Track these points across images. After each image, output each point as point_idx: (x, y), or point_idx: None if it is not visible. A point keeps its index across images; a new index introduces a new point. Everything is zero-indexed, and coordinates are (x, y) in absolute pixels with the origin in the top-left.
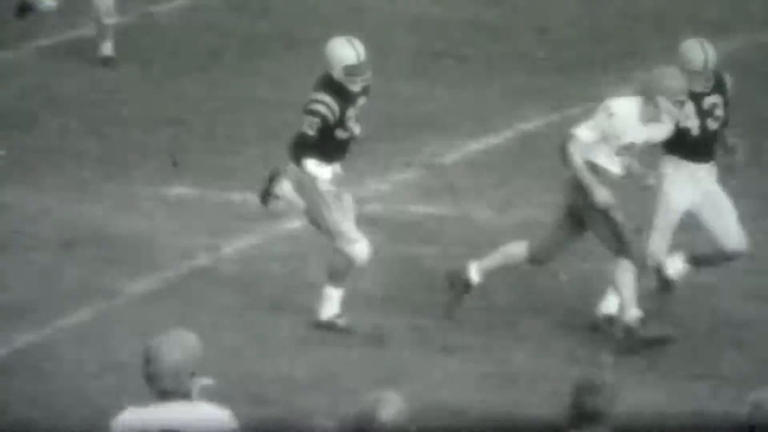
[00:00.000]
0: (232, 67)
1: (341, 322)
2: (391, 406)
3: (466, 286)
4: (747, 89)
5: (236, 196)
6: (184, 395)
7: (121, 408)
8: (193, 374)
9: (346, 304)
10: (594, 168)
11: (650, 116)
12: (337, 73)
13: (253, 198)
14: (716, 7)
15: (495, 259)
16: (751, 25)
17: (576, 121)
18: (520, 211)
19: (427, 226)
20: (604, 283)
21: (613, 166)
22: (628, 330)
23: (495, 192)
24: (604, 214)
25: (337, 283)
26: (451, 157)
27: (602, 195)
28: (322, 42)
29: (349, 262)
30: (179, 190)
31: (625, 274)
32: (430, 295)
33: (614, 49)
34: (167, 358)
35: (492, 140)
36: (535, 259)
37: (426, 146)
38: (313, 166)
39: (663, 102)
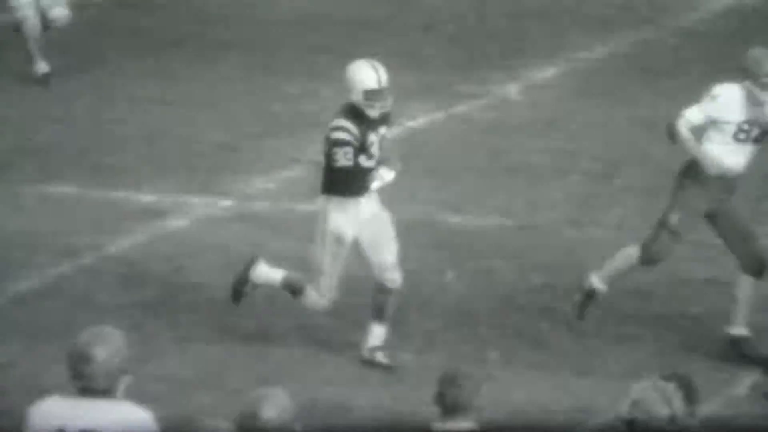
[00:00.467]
0: (116, 65)
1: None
2: (274, 403)
3: (591, 295)
4: (629, 85)
5: (120, 195)
6: (110, 394)
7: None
8: (123, 373)
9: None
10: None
11: (757, 99)
12: (356, 97)
13: (137, 197)
14: (600, 3)
15: (613, 264)
16: (634, 22)
17: (463, 118)
18: (407, 208)
19: (313, 224)
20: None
21: (730, 156)
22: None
23: (381, 189)
24: (671, 204)
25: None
26: None
27: (712, 163)
28: (207, 39)
29: (305, 302)
30: (62, 189)
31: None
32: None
33: (501, 46)
34: (100, 356)
35: None
36: (648, 260)
37: (312, 144)
38: (335, 203)
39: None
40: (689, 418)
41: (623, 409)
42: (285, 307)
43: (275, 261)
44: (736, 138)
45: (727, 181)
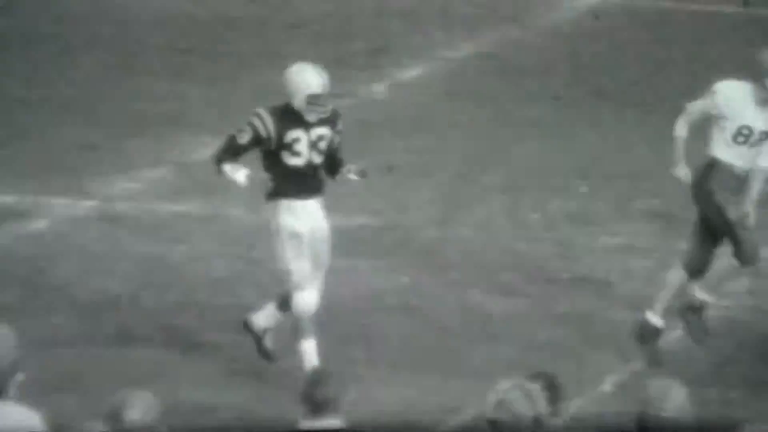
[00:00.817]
0: None
1: (266, 341)
2: (139, 405)
3: (656, 332)
4: (494, 85)
5: None
6: (1, 394)
7: None
8: (14, 373)
9: (91, 304)
10: (716, 164)
11: (762, 99)
12: (297, 101)
13: None
14: (465, 3)
15: (664, 296)
16: (499, 21)
17: None
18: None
19: (176, 225)
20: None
21: (736, 159)
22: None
23: (245, 189)
24: (719, 209)
25: (303, 335)
26: (201, 154)
27: (680, 170)
28: (66, 38)
29: (296, 310)
30: None
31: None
32: (179, 293)
33: (366, 46)
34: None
35: None
36: (694, 272)
37: (176, 144)
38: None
39: None
40: (553, 418)
41: (487, 409)
42: (148, 307)
43: (138, 262)
44: (735, 140)
45: (735, 180)
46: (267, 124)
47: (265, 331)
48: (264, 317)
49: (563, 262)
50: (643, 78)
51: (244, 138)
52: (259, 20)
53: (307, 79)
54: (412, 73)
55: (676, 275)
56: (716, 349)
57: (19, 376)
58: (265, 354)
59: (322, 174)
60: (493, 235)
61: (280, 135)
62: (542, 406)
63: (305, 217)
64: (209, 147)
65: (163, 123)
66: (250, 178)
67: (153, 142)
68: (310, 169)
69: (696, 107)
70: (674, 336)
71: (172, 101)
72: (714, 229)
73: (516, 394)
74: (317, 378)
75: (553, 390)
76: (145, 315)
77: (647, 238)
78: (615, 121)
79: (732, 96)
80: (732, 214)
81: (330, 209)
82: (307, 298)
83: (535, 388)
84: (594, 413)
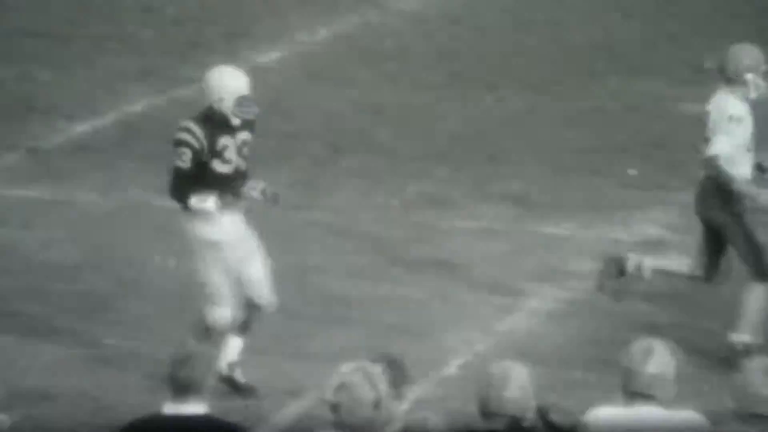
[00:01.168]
0: None
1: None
2: None
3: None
4: (353, 69)
5: None
6: None
7: None
8: None
9: None
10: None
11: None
12: (225, 103)
13: None
14: None
15: (669, 262)
16: (357, 5)
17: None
18: (124, 194)
19: (28, 211)
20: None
21: (743, 166)
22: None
23: (99, 175)
24: (744, 229)
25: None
26: (53, 139)
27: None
28: None
29: (206, 325)
30: None
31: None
32: (29, 279)
33: (222, 29)
34: None
35: (96, 122)
36: (711, 280)
37: (27, 129)
38: (196, 202)
39: (752, 78)
40: (396, 401)
41: (328, 392)
42: None
43: None
44: (747, 148)
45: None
46: (198, 136)
47: (232, 367)
48: (225, 356)
49: (421, 246)
50: (501, 62)
51: (187, 161)
52: (112, 3)
53: (235, 80)
54: (269, 57)
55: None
56: (565, 330)
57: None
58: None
59: (243, 180)
60: (352, 220)
61: (212, 143)
62: (384, 388)
63: (222, 225)
64: (62, 132)
65: (15, 108)
66: (218, 203)
67: (4, 127)
68: (238, 175)
69: (726, 147)
70: (522, 317)
71: (24, 85)
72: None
73: (357, 377)
74: (183, 359)
75: (397, 372)
76: None
77: (505, 221)
78: (473, 105)
79: (742, 111)
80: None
81: None
82: (222, 314)
83: (377, 370)
84: (439, 396)
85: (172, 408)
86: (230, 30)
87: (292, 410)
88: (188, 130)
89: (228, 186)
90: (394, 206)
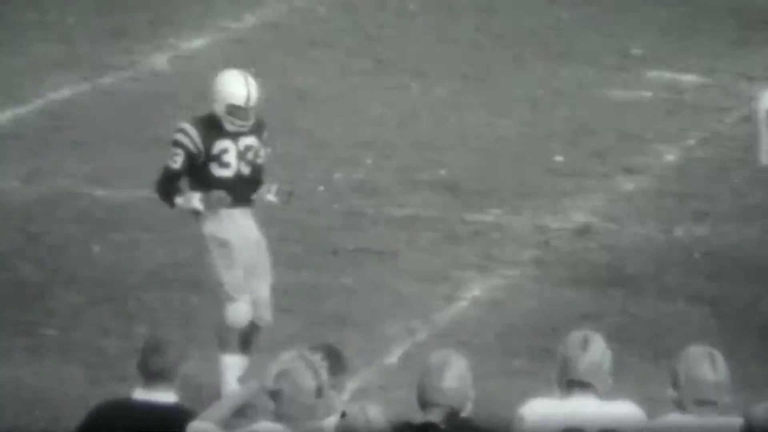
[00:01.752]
0: None
1: None
2: None
3: None
4: (279, 55)
5: None
6: None
7: None
8: None
9: None
10: None
11: None
12: (218, 108)
13: None
14: None
15: None
16: None
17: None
18: (47, 182)
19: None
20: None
21: None
22: None
23: (22, 163)
24: None
25: (224, 348)
26: None
27: None
28: None
29: (224, 322)
30: None
31: None
32: None
33: (147, 16)
34: None
35: (20, 110)
36: None
37: None
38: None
39: None
40: (334, 390)
41: (268, 380)
42: None
43: None
44: None
45: None
46: (194, 138)
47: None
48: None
49: (348, 234)
50: (428, 49)
51: (178, 162)
52: None
53: (230, 88)
54: (195, 44)
55: None
56: (501, 319)
57: None
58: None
59: (252, 185)
60: (278, 207)
61: (208, 146)
62: (325, 376)
63: (231, 226)
64: None
65: None
66: (204, 200)
67: None
68: (239, 180)
69: None
70: (461, 306)
71: None
72: None
73: (298, 364)
74: (154, 346)
75: (335, 361)
76: None
77: (433, 209)
78: (399, 92)
79: None
80: None
81: (110, 184)
82: (240, 310)
83: (317, 358)
84: (380, 385)
85: (142, 394)
86: (155, 17)
87: (231, 399)
88: (183, 132)
89: (231, 190)
90: (320, 194)
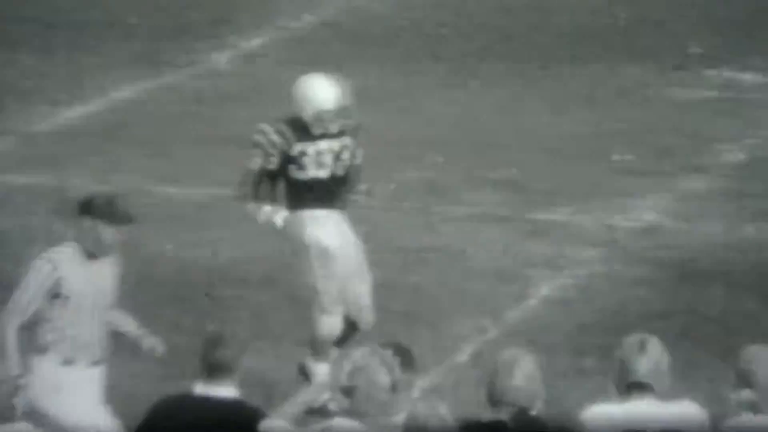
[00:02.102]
0: None
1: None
2: None
3: None
4: (338, 54)
5: None
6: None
7: None
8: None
9: None
10: None
11: None
12: (305, 114)
13: None
14: None
15: None
16: None
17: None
18: (116, 179)
19: (22, 196)
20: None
21: None
22: None
23: (90, 162)
24: None
25: (317, 356)
26: (43, 126)
27: None
28: None
29: (318, 333)
30: None
31: None
32: (24, 267)
33: (208, 15)
34: None
35: (85, 108)
36: None
37: (16, 114)
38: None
39: None
40: (407, 386)
41: (342, 377)
42: None
43: None
44: None
45: None
46: (274, 141)
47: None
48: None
49: (417, 232)
50: (488, 47)
51: (257, 163)
52: None
53: (318, 94)
54: (255, 42)
55: None
56: (570, 318)
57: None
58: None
59: (344, 187)
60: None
61: (289, 149)
62: (398, 372)
63: (331, 228)
64: (51, 117)
65: (1, 93)
66: (287, 220)
67: None
68: (332, 181)
69: None
70: (531, 305)
71: (9, 71)
72: None
73: (372, 360)
74: (215, 339)
75: (404, 358)
76: None
77: (502, 207)
78: (459, 91)
79: None
80: None
81: (179, 181)
82: (333, 323)
83: (389, 355)
84: (450, 383)
85: (202, 389)
86: (216, 15)
87: (304, 397)
88: (266, 134)
89: (320, 191)
90: (389, 192)
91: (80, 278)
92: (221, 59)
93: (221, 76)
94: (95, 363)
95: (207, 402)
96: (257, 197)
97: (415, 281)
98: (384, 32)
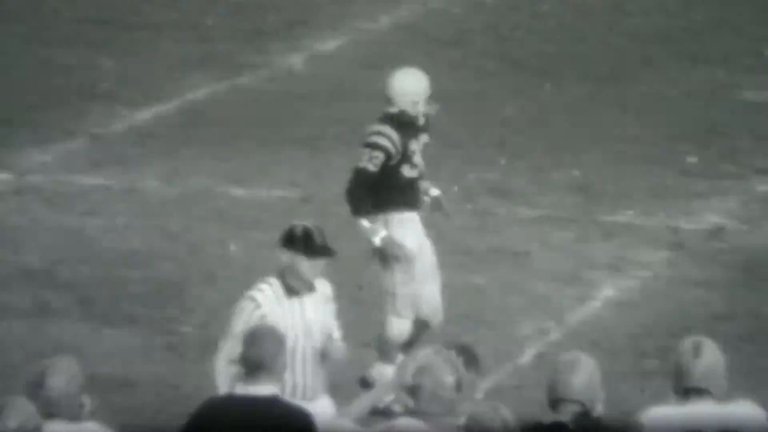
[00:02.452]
0: None
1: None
2: (63, 371)
3: None
4: (414, 56)
5: None
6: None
7: None
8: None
9: (7, 277)
10: None
11: None
12: (411, 106)
13: None
14: None
15: None
16: None
17: (246, 89)
18: (187, 181)
19: (92, 197)
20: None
21: None
22: None
23: (162, 162)
24: None
25: (385, 359)
26: (116, 126)
27: None
28: None
29: (388, 334)
30: None
31: None
32: (95, 266)
33: (284, 17)
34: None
35: (159, 109)
36: None
37: (90, 116)
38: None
39: None
40: (471, 386)
41: (407, 376)
42: (64, 280)
43: (53, 235)
44: None
45: None
46: (395, 141)
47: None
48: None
49: (481, 234)
50: (562, 49)
51: (377, 166)
52: None
53: (421, 85)
54: (330, 44)
55: None
56: (633, 320)
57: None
58: None
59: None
60: None
61: (405, 147)
62: (463, 371)
63: (418, 230)
64: (125, 119)
65: (78, 95)
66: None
67: (66, 114)
68: (421, 178)
69: None
70: (594, 307)
71: (87, 73)
72: None
73: (437, 360)
74: (252, 338)
75: (470, 358)
76: (61, 288)
77: (566, 209)
78: (533, 92)
79: None
80: None
81: (247, 182)
82: (404, 327)
83: (454, 354)
84: (513, 385)
85: (242, 389)
86: (292, 17)
87: (366, 398)
88: (386, 135)
89: (413, 190)
90: (454, 194)
91: (282, 315)
92: (296, 61)
93: (296, 77)
94: (307, 400)
95: (246, 401)
96: (367, 206)
97: (478, 283)
98: (458, 34)
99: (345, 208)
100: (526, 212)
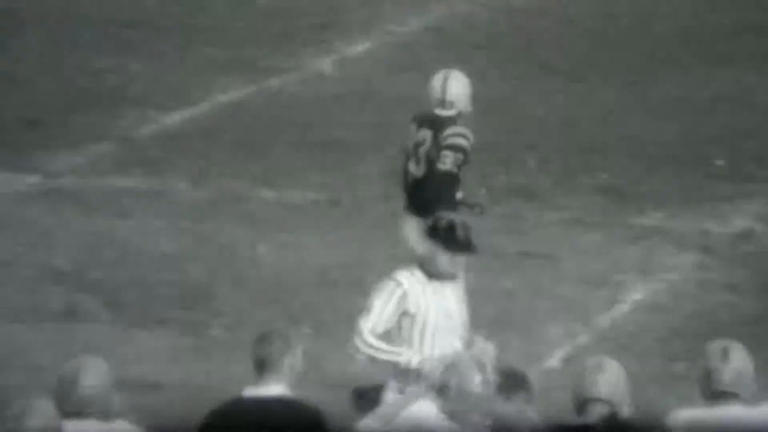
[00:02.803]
0: None
1: None
2: (94, 371)
3: None
4: (443, 59)
5: None
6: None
7: None
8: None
9: (37, 279)
10: None
11: None
12: (467, 108)
13: None
14: None
15: None
16: None
17: (275, 92)
18: (216, 184)
19: (122, 200)
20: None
21: None
22: None
23: (191, 164)
24: None
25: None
26: (146, 129)
27: None
28: (8, 12)
29: None
30: None
31: None
32: (125, 269)
33: (313, 20)
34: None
35: (189, 112)
36: None
37: (120, 119)
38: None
39: None
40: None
41: (435, 375)
42: (94, 282)
43: (84, 237)
44: None
45: None
46: (471, 141)
47: None
48: None
49: (510, 237)
50: (590, 53)
51: (459, 165)
52: None
53: (467, 87)
54: (360, 47)
55: None
56: (662, 323)
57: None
58: None
59: None
60: None
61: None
62: (490, 370)
63: None
64: (154, 122)
65: (108, 97)
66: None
67: (97, 116)
68: None
69: None
70: (621, 311)
71: (117, 76)
72: None
73: (464, 358)
74: (262, 337)
75: (519, 383)
76: (91, 290)
77: (594, 212)
78: (562, 96)
79: None
80: None
81: (276, 185)
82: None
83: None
84: (541, 388)
85: (251, 390)
86: (321, 20)
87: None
88: (467, 137)
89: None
90: (482, 196)
91: (423, 296)
92: (326, 64)
93: (326, 80)
94: None
95: (255, 402)
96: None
97: (507, 286)
98: (487, 37)
99: (376, 212)
100: (555, 215)
